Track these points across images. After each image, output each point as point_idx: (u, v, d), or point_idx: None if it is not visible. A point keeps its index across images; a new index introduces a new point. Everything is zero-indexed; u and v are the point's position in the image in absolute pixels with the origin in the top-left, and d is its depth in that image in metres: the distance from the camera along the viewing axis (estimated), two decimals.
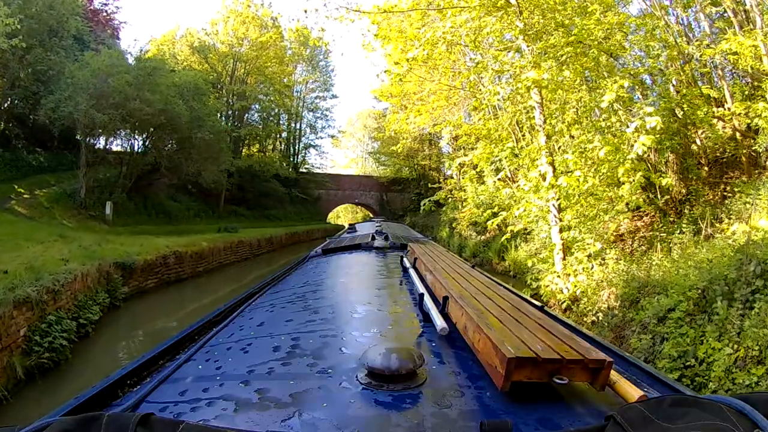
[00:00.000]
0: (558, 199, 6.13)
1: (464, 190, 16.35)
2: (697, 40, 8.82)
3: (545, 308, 1.89)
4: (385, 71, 7.76)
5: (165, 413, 1.09)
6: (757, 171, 7.62)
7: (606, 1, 6.79)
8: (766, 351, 3.09)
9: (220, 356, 1.51)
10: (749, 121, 7.27)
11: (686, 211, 7.39)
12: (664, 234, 7.11)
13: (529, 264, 7.78)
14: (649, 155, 7.32)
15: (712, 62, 8.64)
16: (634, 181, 5.37)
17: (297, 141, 36.16)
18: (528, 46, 6.45)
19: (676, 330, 3.63)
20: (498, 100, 7.78)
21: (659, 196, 7.53)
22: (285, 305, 2.23)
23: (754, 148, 7.21)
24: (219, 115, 24.05)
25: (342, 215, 47.86)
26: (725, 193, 7.60)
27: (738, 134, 7.97)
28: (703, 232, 6.55)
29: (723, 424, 0.64)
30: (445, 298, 1.70)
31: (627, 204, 6.19)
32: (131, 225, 14.47)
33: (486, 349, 1.17)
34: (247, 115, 29.71)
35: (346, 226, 11.79)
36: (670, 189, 7.23)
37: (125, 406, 1.13)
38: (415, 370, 1.13)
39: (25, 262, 6.83)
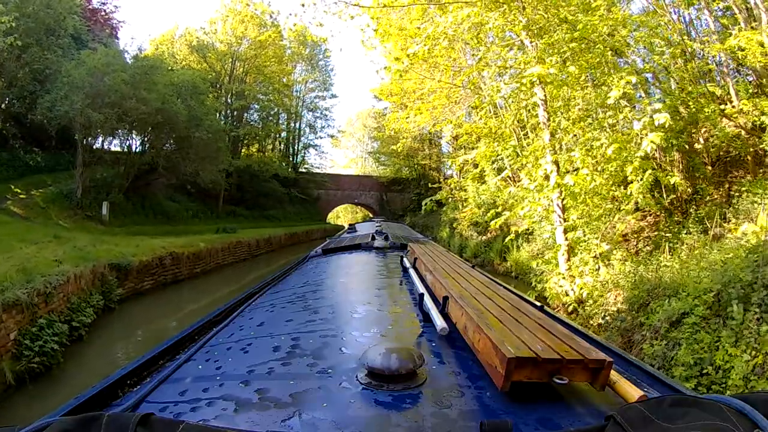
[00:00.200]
0: (563, 198, 5.97)
1: (465, 190, 16.20)
2: (703, 37, 8.70)
3: (545, 308, 1.87)
4: (384, 68, 7.59)
5: (165, 413, 1.08)
6: (761, 170, 7.49)
7: None
8: None
9: (220, 356, 1.50)
10: (755, 119, 7.14)
11: (692, 210, 7.26)
12: (670, 234, 6.98)
13: (534, 265, 7.61)
14: (654, 154, 7.18)
15: (714, 60, 8.54)
16: (643, 179, 5.20)
17: (296, 141, 36.02)
18: (531, 42, 6.30)
19: (692, 336, 3.47)
20: (500, 97, 7.62)
21: (665, 196, 7.38)
22: (285, 305, 2.22)
23: (762, 146, 7.06)
24: (218, 114, 23.91)
25: (342, 215, 47.73)
26: (730, 193, 7.48)
27: (743, 132, 7.84)
28: (711, 231, 6.41)
29: (723, 424, 0.64)
30: (445, 298, 1.69)
31: (636, 203, 6.01)
32: (128, 225, 14.31)
33: (486, 349, 1.17)
34: (246, 114, 29.55)
35: (346, 226, 11.69)
36: (676, 188, 7.07)
37: (125, 406, 1.13)
38: (415, 370, 1.13)
39: (16, 263, 6.68)
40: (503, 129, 8.16)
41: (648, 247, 7.30)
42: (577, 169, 5.63)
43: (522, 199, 6.96)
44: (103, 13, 23.54)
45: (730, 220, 6.48)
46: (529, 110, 8.47)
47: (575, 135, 6.90)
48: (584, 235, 6.30)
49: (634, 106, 5.99)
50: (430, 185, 22.86)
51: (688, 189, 7.80)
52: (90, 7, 22.16)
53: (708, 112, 6.87)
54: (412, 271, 2.47)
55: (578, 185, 5.40)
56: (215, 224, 19.03)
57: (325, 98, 36.42)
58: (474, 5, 6.18)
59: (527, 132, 9.96)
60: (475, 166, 12.50)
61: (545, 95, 6.34)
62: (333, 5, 6.34)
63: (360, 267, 3.37)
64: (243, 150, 29.22)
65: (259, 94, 29.22)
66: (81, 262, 7.83)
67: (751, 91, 8.23)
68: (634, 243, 7.86)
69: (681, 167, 7.99)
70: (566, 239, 6.42)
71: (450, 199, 18.87)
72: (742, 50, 6.76)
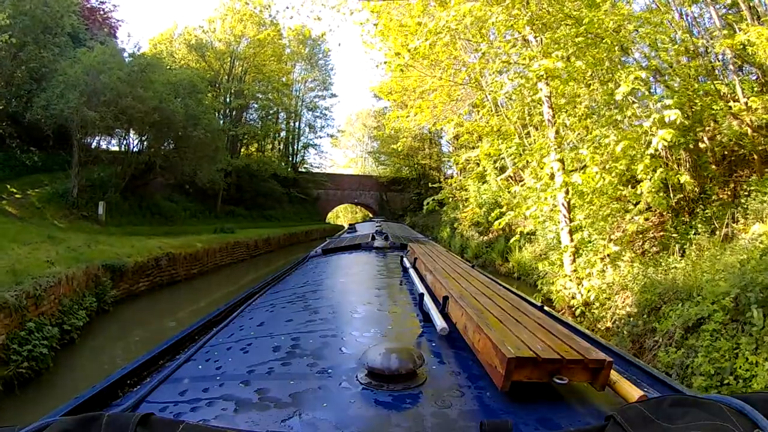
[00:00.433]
0: (570, 198, 5.78)
1: (466, 190, 16.02)
2: (710, 34, 8.54)
3: (545, 308, 1.86)
4: (385, 62, 7.39)
5: (165, 413, 1.08)
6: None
7: None
8: None
9: (220, 356, 1.50)
10: (764, 116, 6.97)
11: (699, 210, 7.09)
12: (677, 235, 6.80)
13: (540, 267, 7.42)
14: (660, 152, 7.01)
15: (717, 57, 8.40)
16: (654, 178, 5.01)
17: (296, 140, 35.83)
18: (536, 37, 6.12)
19: (712, 344, 3.28)
20: (503, 94, 7.45)
21: (671, 195, 7.21)
22: (285, 305, 2.22)
23: None
24: (217, 114, 23.72)
25: (341, 215, 47.58)
26: (736, 192, 7.33)
27: (750, 131, 7.68)
28: (720, 232, 6.24)
29: (723, 424, 0.63)
30: (445, 298, 1.69)
31: (648, 203, 5.83)
32: (125, 225, 14.12)
33: (486, 349, 1.17)
34: (245, 114, 29.36)
35: (346, 226, 11.57)
36: (684, 187, 6.90)
37: (125, 406, 1.13)
38: (415, 370, 1.13)
39: (6, 264, 6.49)
40: (507, 126, 7.96)
41: (654, 248, 7.13)
42: (584, 167, 5.44)
43: (525, 198, 6.77)
44: (101, 12, 23.39)
45: (738, 220, 6.33)
46: (531, 108, 8.29)
47: (580, 132, 6.72)
48: (590, 236, 6.11)
49: (643, 103, 5.80)
50: (430, 185, 22.66)
51: (695, 188, 7.63)
52: (88, 5, 22.01)
53: (717, 109, 6.69)
54: (412, 271, 2.46)
55: (586, 184, 5.20)
56: (214, 224, 18.84)
57: (324, 97, 36.31)
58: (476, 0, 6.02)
59: (529, 131, 9.79)
60: (477, 164, 12.33)
61: (550, 92, 6.17)
62: None
63: (360, 267, 3.35)
64: (242, 150, 29.03)
65: (258, 93, 29.04)
66: (74, 263, 7.65)
67: (756, 89, 8.09)
68: (640, 244, 7.69)
69: (687, 166, 7.82)
70: (573, 240, 6.23)
71: (451, 199, 18.69)
72: (752, 45, 6.59)
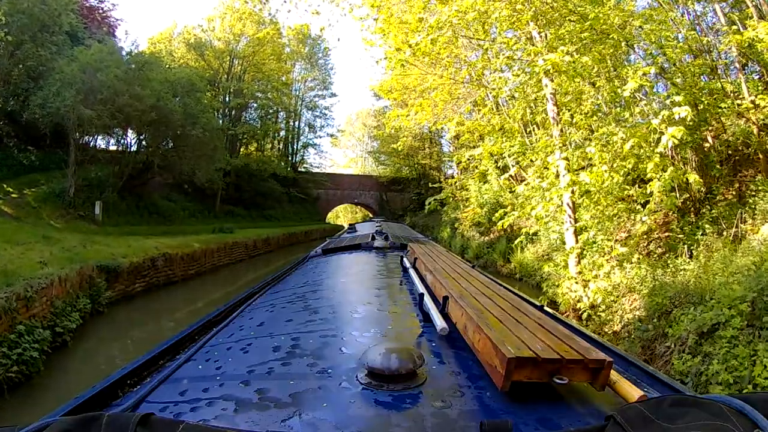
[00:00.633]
0: (581, 197, 5.62)
1: (467, 190, 15.87)
2: (716, 32, 8.42)
3: (545, 308, 1.86)
4: (385, 57, 7.24)
5: (165, 413, 1.08)
6: None
7: None
8: None
9: (220, 356, 1.50)
10: None
11: (705, 210, 6.95)
12: (683, 235, 6.65)
13: (545, 269, 7.25)
14: (666, 152, 6.87)
15: (720, 56, 8.28)
16: (664, 178, 4.86)
17: (295, 140, 35.68)
18: (540, 33, 5.97)
19: (729, 351, 3.13)
20: (506, 91, 7.30)
21: (677, 195, 7.06)
22: (285, 305, 2.22)
23: None
24: (216, 113, 23.56)
25: (341, 215, 47.47)
26: (741, 192, 7.20)
27: (755, 129, 7.54)
28: (728, 232, 6.09)
29: (723, 424, 0.63)
30: (445, 298, 1.68)
31: (661, 203, 5.67)
32: (122, 225, 13.97)
33: (486, 349, 1.17)
34: (245, 113, 29.19)
35: (346, 226, 11.48)
36: (691, 187, 6.75)
37: (125, 406, 1.12)
38: (415, 370, 1.13)
39: None
40: (511, 124, 7.80)
41: (660, 249, 6.97)
42: (591, 166, 5.28)
43: (529, 198, 6.62)
44: (100, 11, 23.27)
45: (746, 221, 6.19)
46: (534, 107, 8.14)
47: (585, 130, 6.56)
48: (595, 237, 5.95)
49: (650, 100, 5.65)
50: (430, 185, 22.53)
51: (701, 188, 7.49)
52: (87, 4, 21.89)
53: (725, 107, 6.55)
54: (412, 271, 2.46)
55: (594, 183, 5.03)
56: (212, 224, 18.69)
57: (324, 97, 36.16)
58: None
59: (531, 130, 9.64)
60: (479, 163, 12.17)
61: (554, 89, 6.02)
62: None
63: (360, 267, 3.35)
64: (242, 149, 28.88)
65: (258, 92, 28.89)
66: (68, 263, 7.50)
67: (761, 87, 7.98)
68: (645, 245, 7.54)
69: (693, 165, 7.68)
70: (579, 241, 6.06)
71: (450, 199, 18.54)
72: (760, 41, 6.45)
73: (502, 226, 6.73)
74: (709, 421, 0.64)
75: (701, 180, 5.47)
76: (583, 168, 5.79)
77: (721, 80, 7.69)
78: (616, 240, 6.05)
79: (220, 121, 23.82)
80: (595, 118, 6.14)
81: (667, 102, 4.82)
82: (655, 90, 7.21)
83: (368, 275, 3.02)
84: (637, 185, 5.88)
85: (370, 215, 31.74)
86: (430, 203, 10.18)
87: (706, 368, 3.22)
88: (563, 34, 5.87)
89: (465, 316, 1.41)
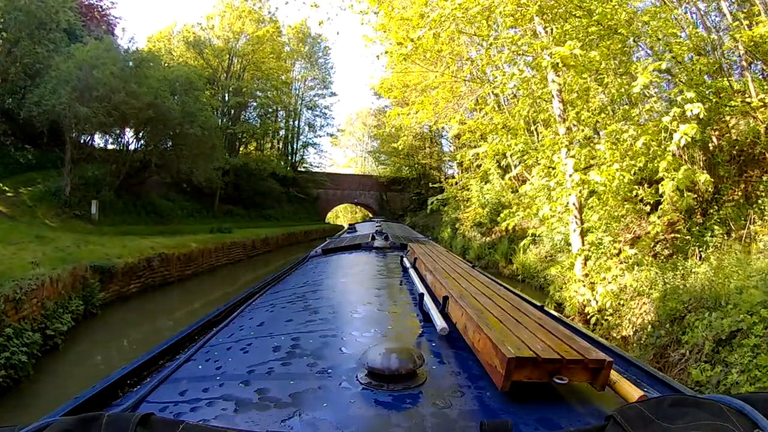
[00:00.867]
0: (586, 197, 5.45)
1: (468, 190, 15.71)
2: (722, 29, 8.27)
3: (545, 308, 1.85)
4: (386, 52, 7.07)
5: (165, 413, 1.08)
6: None
7: None
8: None
9: (220, 356, 1.50)
10: None
11: (713, 211, 6.78)
12: (690, 237, 6.48)
13: (550, 271, 7.08)
14: (675, 151, 6.71)
15: (724, 54, 8.14)
16: (678, 178, 4.68)
17: (295, 139, 35.50)
18: (545, 28, 5.80)
19: (753, 359, 2.95)
20: (509, 89, 7.13)
21: (685, 195, 6.89)
22: (285, 305, 2.22)
23: None
24: (215, 112, 23.37)
25: (341, 215, 47.32)
26: (747, 193, 7.04)
27: (763, 128, 7.38)
28: (737, 233, 5.93)
29: (723, 424, 0.63)
30: (445, 298, 1.68)
31: (675, 204, 5.49)
32: (118, 225, 13.79)
33: (486, 349, 1.17)
34: (244, 112, 29.00)
35: (346, 226, 11.37)
36: (700, 187, 6.58)
37: (125, 406, 1.12)
38: (415, 370, 1.13)
39: None
40: (516, 122, 7.63)
41: (666, 251, 6.81)
42: (599, 165, 5.10)
43: (534, 198, 6.44)
44: (99, 9, 23.14)
45: (755, 222, 6.03)
46: (538, 105, 7.96)
47: (592, 128, 6.39)
48: (601, 239, 5.77)
49: (660, 96, 5.48)
50: (430, 185, 22.36)
51: (709, 188, 7.33)
52: (86, 2, 21.76)
53: (734, 105, 6.38)
54: (412, 271, 2.45)
55: (605, 182, 4.85)
56: (211, 224, 18.52)
57: (324, 96, 35.95)
58: None
59: (534, 129, 9.47)
60: (478, 166, 12.01)
61: (560, 86, 5.85)
62: None
63: (360, 267, 3.35)
64: (241, 148, 28.69)
65: (257, 91, 28.70)
66: (60, 264, 7.33)
67: (766, 87, 7.83)
68: (651, 246, 7.37)
69: (701, 165, 7.52)
70: (584, 242, 5.89)
71: (451, 199, 18.37)
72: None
73: (507, 226, 6.57)
74: (709, 421, 0.64)
75: (712, 179, 5.28)
76: (589, 167, 5.61)
77: (728, 79, 7.53)
78: (623, 242, 5.86)
79: (219, 120, 23.62)
80: (603, 115, 5.97)
81: (678, 99, 4.65)
82: (664, 87, 7.05)
83: (368, 275, 3.01)
84: (645, 185, 5.70)
85: (370, 215, 31.60)
86: (432, 203, 10.01)
87: (724, 378, 3.04)
88: (569, 29, 5.71)
89: (465, 316, 1.41)
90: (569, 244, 6.83)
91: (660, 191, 5.03)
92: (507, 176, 10.81)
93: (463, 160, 13.09)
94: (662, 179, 5.04)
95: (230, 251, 15.88)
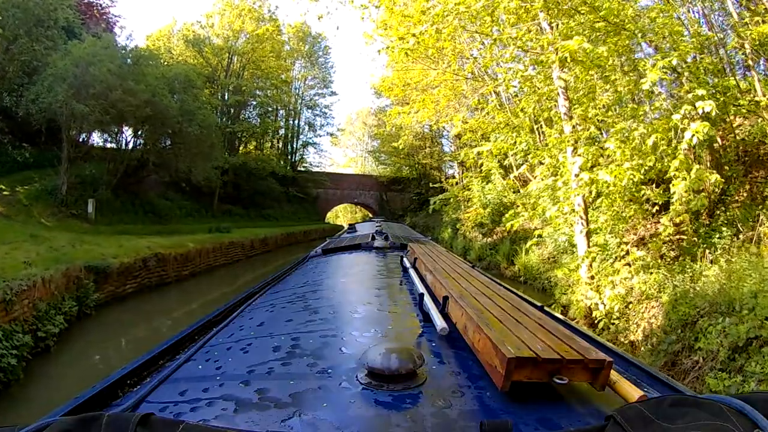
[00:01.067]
0: (594, 197, 5.30)
1: (469, 189, 15.56)
2: (728, 27, 8.15)
3: (545, 308, 1.85)
4: (387, 47, 6.92)
5: (165, 413, 1.08)
6: None
7: None
8: None
9: (220, 356, 1.50)
10: None
11: (720, 212, 6.64)
12: (698, 238, 6.34)
13: (558, 274, 6.93)
14: (683, 150, 6.57)
15: (727, 54, 8.03)
16: (690, 178, 4.54)
17: (295, 139, 35.35)
18: (551, 24, 5.66)
19: None
20: (513, 86, 6.98)
21: (693, 195, 6.75)
22: (285, 305, 2.22)
23: None
24: (215, 111, 23.22)
25: (341, 215, 47.20)
26: (753, 194, 6.91)
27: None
28: (745, 235, 5.79)
29: (723, 424, 0.63)
30: (445, 298, 1.69)
31: (688, 204, 5.34)
32: (115, 224, 13.64)
33: (486, 349, 1.16)
34: (244, 111, 28.84)
35: (346, 226, 11.24)
36: (707, 187, 6.44)
37: (125, 406, 1.12)
38: (415, 370, 1.12)
39: None
40: (521, 120, 7.47)
41: (672, 252, 6.66)
42: (606, 164, 4.96)
43: (537, 198, 6.29)
44: (98, 8, 23.02)
45: (763, 223, 5.90)
46: (542, 103, 7.82)
47: (598, 127, 6.24)
48: (607, 241, 5.61)
49: (669, 94, 5.34)
50: (431, 185, 22.21)
51: (716, 189, 7.20)
52: (85, 0, 21.64)
53: (743, 104, 6.24)
54: (412, 271, 2.45)
55: (614, 182, 4.71)
56: (209, 223, 18.37)
57: (324, 96, 35.81)
58: None
59: (539, 126, 9.32)
60: (480, 166, 11.86)
61: (566, 83, 5.71)
62: None
63: (360, 267, 3.35)
64: (240, 147, 28.53)
65: (257, 90, 28.55)
66: (54, 263, 7.18)
67: None
68: (659, 248, 7.22)
69: (708, 165, 7.39)
70: (591, 244, 5.73)
71: (451, 199, 18.22)
72: None
73: (511, 227, 6.42)
74: (709, 421, 0.64)
75: (722, 179, 5.14)
76: (595, 166, 5.46)
77: (736, 77, 7.41)
78: (630, 244, 5.71)
79: (219, 119, 23.46)
80: (610, 113, 5.83)
81: (689, 96, 4.50)
82: (672, 85, 6.92)
83: (368, 275, 3.01)
84: (653, 185, 5.55)
85: (370, 215, 31.47)
86: (434, 203, 9.86)
87: (742, 387, 2.90)
88: (575, 26, 5.57)
89: (465, 316, 1.41)
90: (573, 246, 6.68)
91: (672, 191, 4.87)
92: (512, 176, 10.66)
93: (465, 160, 12.91)
94: (670, 179, 4.88)
95: (229, 251, 15.74)
